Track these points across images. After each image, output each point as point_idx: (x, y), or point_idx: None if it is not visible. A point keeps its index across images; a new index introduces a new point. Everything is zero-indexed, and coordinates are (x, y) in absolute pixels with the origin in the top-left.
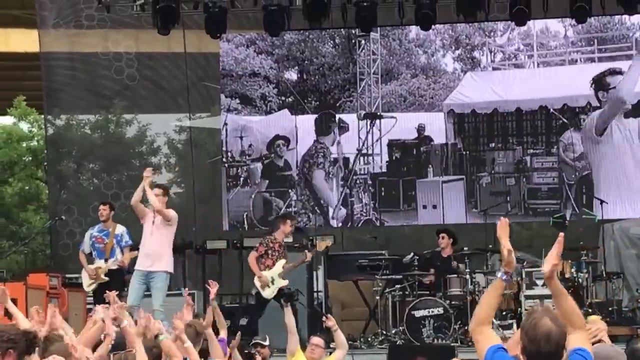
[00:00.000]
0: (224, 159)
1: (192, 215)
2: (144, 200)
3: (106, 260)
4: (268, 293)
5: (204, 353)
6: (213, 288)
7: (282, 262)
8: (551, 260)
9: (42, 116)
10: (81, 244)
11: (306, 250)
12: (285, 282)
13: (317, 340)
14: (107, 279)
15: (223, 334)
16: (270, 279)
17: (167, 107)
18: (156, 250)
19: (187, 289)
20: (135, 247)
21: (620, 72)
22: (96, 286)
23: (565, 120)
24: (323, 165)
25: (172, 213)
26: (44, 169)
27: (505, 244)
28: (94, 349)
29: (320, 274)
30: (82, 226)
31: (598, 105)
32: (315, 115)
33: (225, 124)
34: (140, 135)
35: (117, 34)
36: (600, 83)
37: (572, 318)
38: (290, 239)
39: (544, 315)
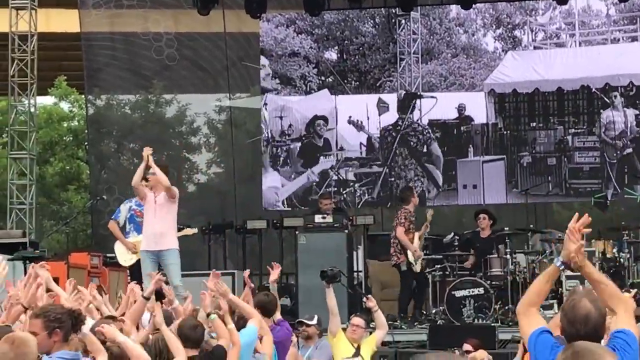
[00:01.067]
0: (264, 140)
1: (232, 194)
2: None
3: None
4: (418, 267)
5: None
6: (275, 270)
7: (416, 234)
8: (569, 247)
9: (83, 96)
10: (116, 214)
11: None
12: (421, 254)
13: (358, 320)
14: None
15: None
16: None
17: (206, 87)
18: (161, 230)
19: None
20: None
21: None
22: (135, 261)
23: (607, 100)
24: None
25: (176, 190)
26: (85, 149)
27: (575, 239)
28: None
29: (360, 254)
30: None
31: None
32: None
33: (265, 104)
34: (179, 115)
35: (157, 14)
36: None
37: (613, 302)
38: (330, 219)
39: (584, 297)
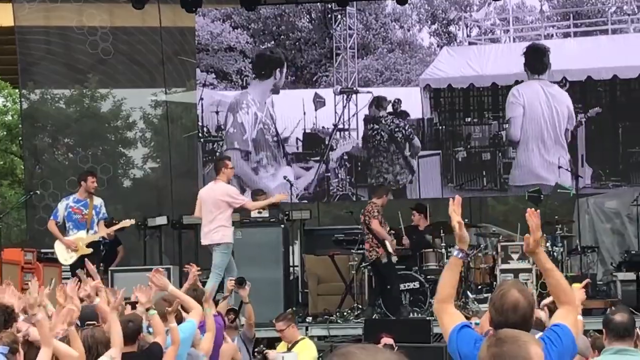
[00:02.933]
0: (200, 134)
1: (168, 190)
2: None
3: (87, 232)
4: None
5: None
6: (192, 269)
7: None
8: (529, 236)
9: (17, 90)
10: (55, 213)
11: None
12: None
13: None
14: (90, 250)
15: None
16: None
17: (142, 82)
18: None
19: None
20: (110, 220)
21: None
22: (77, 259)
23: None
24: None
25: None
26: (19, 144)
27: (455, 217)
28: None
29: (297, 248)
30: (58, 200)
31: (577, 80)
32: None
33: (201, 98)
34: (115, 109)
35: (92, 8)
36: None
37: (558, 294)
38: (266, 214)
39: (512, 286)
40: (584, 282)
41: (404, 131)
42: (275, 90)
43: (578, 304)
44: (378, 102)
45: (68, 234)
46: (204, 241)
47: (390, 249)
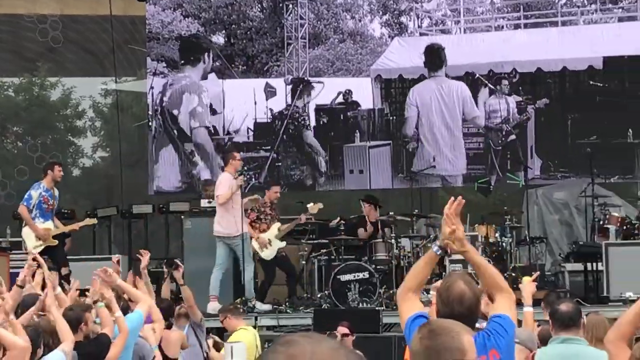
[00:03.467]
0: (150, 124)
1: (118, 179)
2: None
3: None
4: (267, 254)
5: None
6: (145, 256)
7: (277, 224)
8: (444, 231)
9: None
10: (27, 199)
11: (303, 214)
12: (282, 244)
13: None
14: (56, 242)
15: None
16: (268, 240)
17: (92, 71)
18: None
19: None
20: (59, 211)
21: None
22: (43, 248)
23: (491, 87)
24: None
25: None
26: None
27: (450, 224)
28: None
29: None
30: (7, 189)
31: (527, 71)
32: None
33: (152, 87)
34: (64, 98)
35: None
36: None
37: (492, 285)
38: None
39: (459, 278)
40: (534, 275)
41: (303, 122)
42: (204, 76)
43: (529, 296)
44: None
45: (34, 221)
46: None
47: (256, 247)
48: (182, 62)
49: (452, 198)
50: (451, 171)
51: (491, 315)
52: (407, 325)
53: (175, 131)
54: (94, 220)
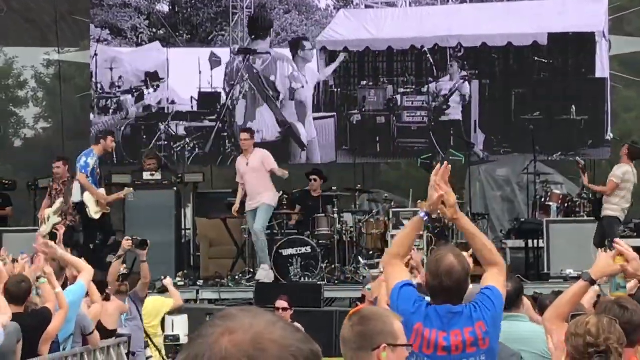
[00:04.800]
0: (94, 92)
1: (60, 150)
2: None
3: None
4: (43, 229)
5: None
6: (60, 231)
7: (59, 200)
8: (431, 196)
9: None
10: (85, 168)
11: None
12: (58, 220)
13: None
14: (109, 209)
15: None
16: (47, 216)
17: (35, 41)
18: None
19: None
20: None
21: None
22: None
23: (434, 62)
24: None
25: (270, 160)
26: None
27: (440, 189)
28: None
29: (189, 211)
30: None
31: (472, 46)
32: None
33: (95, 54)
34: (6, 68)
35: None
36: None
37: (483, 256)
38: (159, 177)
39: (449, 252)
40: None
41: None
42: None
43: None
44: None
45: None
46: None
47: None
48: (253, 37)
49: (439, 165)
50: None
51: (481, 286)
52: (394, 291)
53: (270, 92)
54: (131, 190)
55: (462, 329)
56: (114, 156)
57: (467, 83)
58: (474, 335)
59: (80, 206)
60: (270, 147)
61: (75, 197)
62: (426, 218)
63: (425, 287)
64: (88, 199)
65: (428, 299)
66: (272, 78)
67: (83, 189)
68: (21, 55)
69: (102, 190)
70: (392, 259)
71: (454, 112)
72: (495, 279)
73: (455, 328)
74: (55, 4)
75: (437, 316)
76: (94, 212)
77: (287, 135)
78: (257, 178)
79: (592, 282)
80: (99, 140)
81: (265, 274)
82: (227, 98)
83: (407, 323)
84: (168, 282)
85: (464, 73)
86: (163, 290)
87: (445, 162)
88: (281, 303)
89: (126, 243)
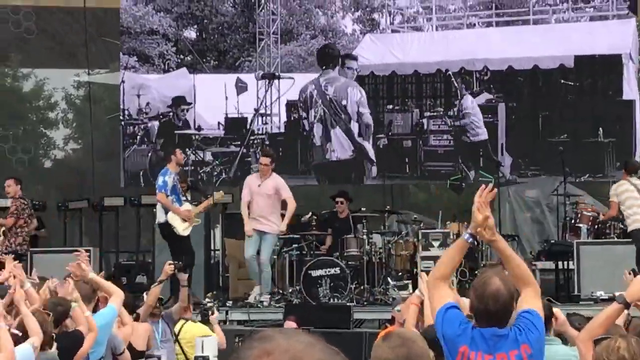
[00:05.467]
0: (121, 117)
1: (90, 171)
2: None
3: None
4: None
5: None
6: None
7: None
8: (476, 219)
9: None
10: (163, 187)
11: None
12: None
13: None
14: (199, 220)
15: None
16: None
17: (65, 62)
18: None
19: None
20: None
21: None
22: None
23: (461, 85)
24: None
25: (285, 187)
26: None
27: (484, 210)
28: None
29: (218, 232)
30: None
31: (498, 69)
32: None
33: (123, 81)
34: (37, 89)
35: None
36: None
37: (518, 278)
38: (188, 198)
39: (494, 275)
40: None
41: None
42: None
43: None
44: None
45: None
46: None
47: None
48: (324, 67)
49: (483, 186)
50: None
51: (520, 310)
52: (439, 314)
53: (343, 115)
54: (221, 194)
55: (507, 352)
56: (141, 180)
57: (494, 105)
58: (520, 358)
59: (166, 227)
60: (343, 166)
61: (160, 218)
62: (471, 240)
63: (470, 310)
64: (172, 217)
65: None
66: (343, 102)
67: (166, 209)
68: (51, 77)
69: (188, 205)
70: (437, 281)
71: (482, 134)
72: (533, 302)
73: (501, 351)
74: (85, 26)
75: (483, 339)
76: (182, 229)
77: (359, 155)
78: (267, 202)
79: (627, 306)
80: (169, 158)
81: (265, 299)
82: (305, 121)
83: (453, 346)
84: (214, 319)
85: (490, 96)
86: (204, 318)
87: (491, 185)
88: (289, 324)
89: (169, 268)
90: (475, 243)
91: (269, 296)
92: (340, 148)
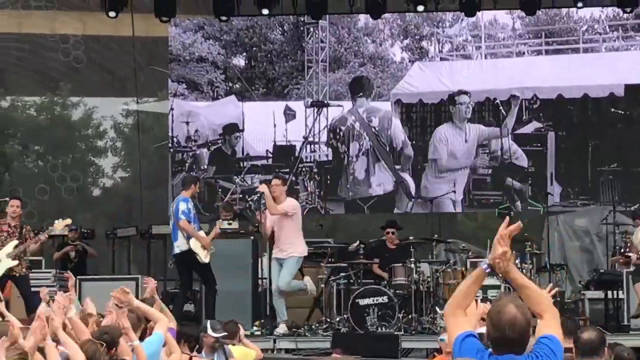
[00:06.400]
0: (170, 144)
1: (138, 199)
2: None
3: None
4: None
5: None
6: (150, 283)
7: (13, 242)
8: (495, 251)
9: None
10: (186, 214)
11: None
12: (14, 263)
13: None
14: (214, 249)
15: (173, 325)
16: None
17: (114, 91)
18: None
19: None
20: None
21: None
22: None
23: (509, 114)
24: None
25: (287, 206)
26: None
27: (502, 245)
28: None
29: (265, 260)
30: (28, 207)
31: (548, 98)
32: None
33: (172, 108)
34: (86, 118)
35: (65, 16)
36: None
37: (538, 306)
38: (236, 225)
39: (510, 302)
40: (551, 288)
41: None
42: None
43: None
44: None
45: None
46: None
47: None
48: (360, 94)
49: (508, 218)
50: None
51: (538, 336)
52: (456, 343)
53: (387, 147)
54: (223, 223)
55: None
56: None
57: (543, 134)
58: None
59: (189, 254)
60: (384, 199)
61: (181, 246)
62: (488, 270)
63: (487, 338)
64: (195, 245)
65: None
66: (389, 132)
67: (188, 237)
68: (100, 106)
69: (202, 232)
70: (454, 310)
71: (522, 161)
72: (552, 328)
73: None
74: (134, 55)
75: None
76: (204, 256)
77: (398, 188)
78: (286, 227)
79: (491, 269)
80: (189, 186)
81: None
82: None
83: None
84: (242, 336)
85: (540, 125)
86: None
87: (519, 221)
88: (336, 356)
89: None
90: (493, 272)
91: (285, 324)
92: (384, 181)
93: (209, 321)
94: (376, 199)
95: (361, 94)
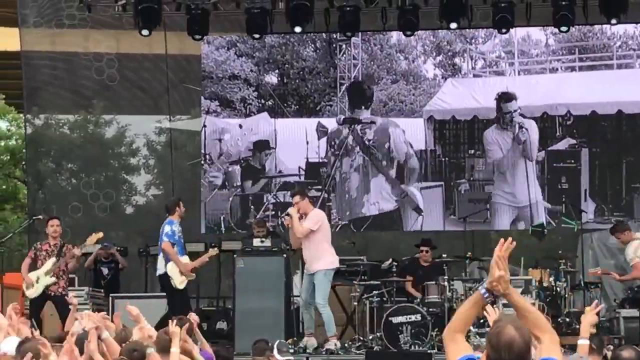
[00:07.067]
0: (203, 162)
1: None
2: None
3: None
4: (31, 292)
5: None
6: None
7: (52, 260)
8: (492, 275)
9: (21, 115)
10: (171, 237)
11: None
12: (52, 280)
13: None
14: (194, 275)
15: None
16: (36, 278)
17: (147, 109)
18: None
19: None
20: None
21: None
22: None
23: (543, 131)
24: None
25: (310, 223)
26: (22, 169)
27: (500, 268)
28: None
29: (297, 278)
30: (61, 225)
31: (582, 114)
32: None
33: (204, 125)
34: (119, 136)
35: (98, 34)
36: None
37: (537, 327)
38: (268, 243)
39: (509, 323)
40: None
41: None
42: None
43: (586, 328)
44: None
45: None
46: None
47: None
48: (362, 107)
49: (502, 239)
50: None
51: (540, 357)
52: None
53: (384, 162)
54: (216, 251)
55: None
56: (222, 226)
57: (577, 150)
58: None
59: (164, 278)
60: (387, 217)
61: (160, 269)
62: (487, 294)
63: (487, 359)
64: (172, 269)
65: None
66: (386, 145)
67: (167, 260)
68: (133, 124)
69: (186, 258)
70: (453, 334)
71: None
72: (553, 350)
73: None
74: (167, 72)
75: None
76: (179, 282)
77: (403, 203)
78: (313, 241)
79: (491, 294)
80: (174, 209)
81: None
82: (331, 169)
83: None
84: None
85: (574, 141)
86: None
87: (510, 238)
88: None
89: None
90: (492, 297)
91: (335, 338)
92: (381, 199)
93: (277, 341)
94: (374, 222)
95: (363, 106)
